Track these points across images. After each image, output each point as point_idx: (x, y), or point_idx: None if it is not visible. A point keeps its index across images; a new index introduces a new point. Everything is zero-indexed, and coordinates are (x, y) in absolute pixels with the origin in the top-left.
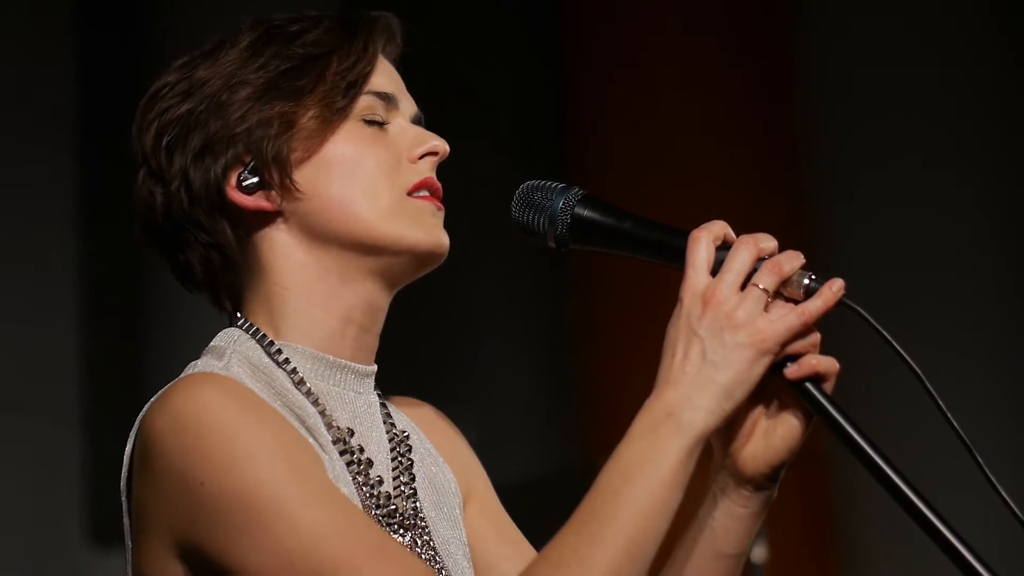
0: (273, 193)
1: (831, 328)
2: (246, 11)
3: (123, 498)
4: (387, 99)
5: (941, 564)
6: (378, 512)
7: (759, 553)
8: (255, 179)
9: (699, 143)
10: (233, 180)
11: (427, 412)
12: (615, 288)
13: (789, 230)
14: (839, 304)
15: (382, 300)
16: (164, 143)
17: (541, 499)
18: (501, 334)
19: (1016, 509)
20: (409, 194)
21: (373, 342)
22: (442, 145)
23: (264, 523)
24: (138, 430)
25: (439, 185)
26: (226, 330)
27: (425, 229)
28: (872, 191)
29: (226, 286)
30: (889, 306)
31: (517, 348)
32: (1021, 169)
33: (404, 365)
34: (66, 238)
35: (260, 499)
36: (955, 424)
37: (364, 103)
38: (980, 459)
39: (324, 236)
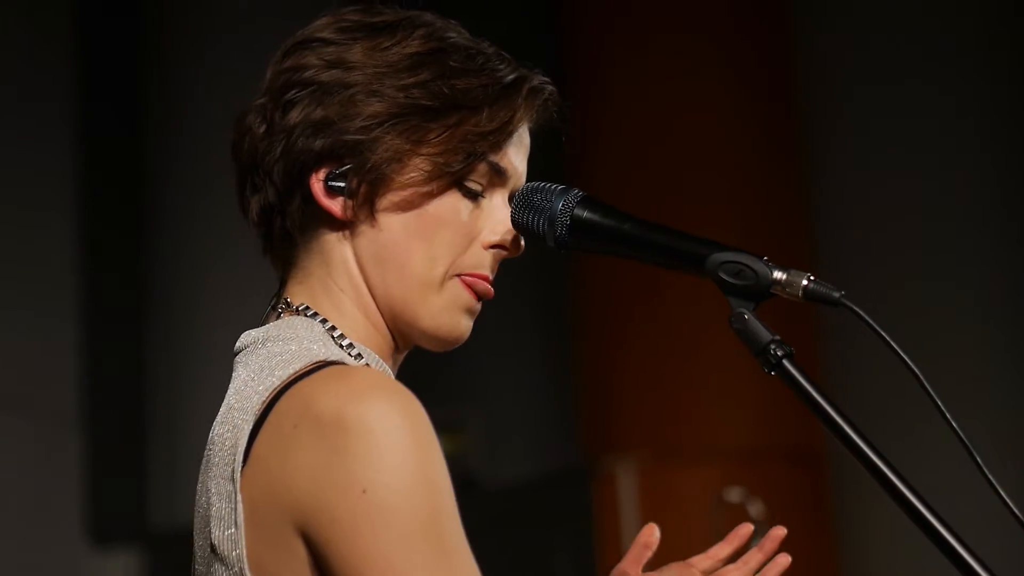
0: (351, 205)
1: (830, 329)
2: (245, 10)
3: (236, 488)
4: (499, 173)
5: (940, 564)
6: None
7: None
8: (342, 184)
9: (698, 143)
10: (322, 173)
11: None
12: (616, 288)
13: (788, 234)
14: (838, 305)
15: (402, 349)
16: (288, 96)
17: (541, 498)
18: (503, 335)
19: (1015, 509)
20: (462, 279)
21: (399, 362)
22: (516, 247)
23: (391, 545)
24: (293, 420)
25: (491, 289)
26: (291, 321)
27: (454, 323)
28: (871, 188)
29: (280, 255)
30: (887, 307)
31: (518, 348)
32: (1019, 170)
33: (404, 365)
34: (66, 238)
35: (401, 524)
36: (954, 424)
37: (478, 169)
38: (979, 459)
39: (375, 268)
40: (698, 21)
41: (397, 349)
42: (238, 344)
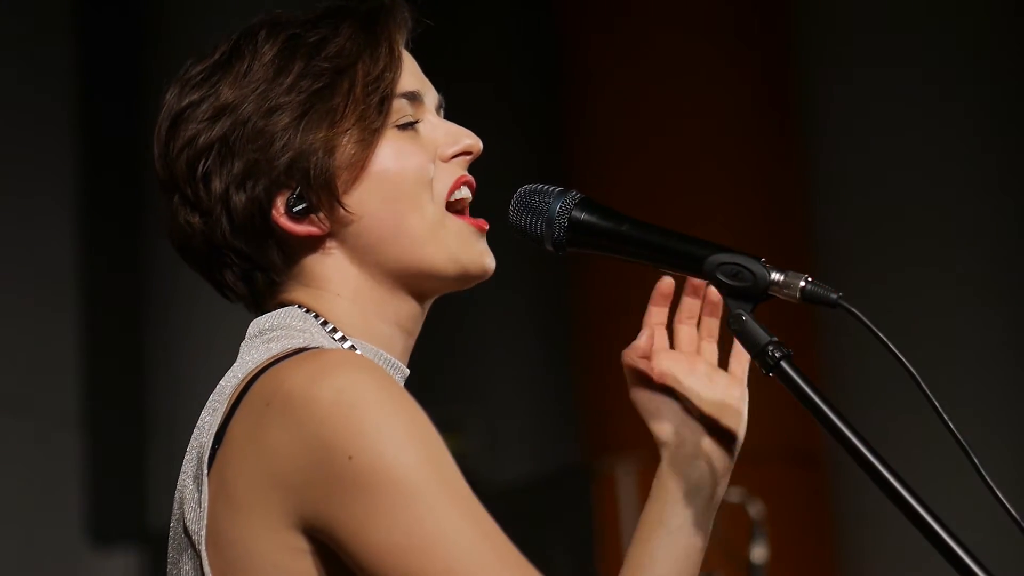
0: (322, 216)
1: (831, 331)
2: (246, 8)
3: (205, 468)
4: (414, 97)
5: (939, 565)
6: None
7: (759, 553)
8: (303, 205)
9: (697, 142)
10: (280, 206)
11: None
12: (615, 290)
13: (786, 233)
14: (835, 307)
15: (425, 308)
16: (200, 171)
17: (541, 498)
18: (503, 336)
19: (1012, 509)
20: (448, 201)
21: (412, 346)
22: (475, 144)
23: (408, 504)
24: (266, 399)
25: (472, 179)
26: (288, 310)
27: (473, 254)
28: (870, 188)
29: (271, 295)
30: (885, 309)
31: (518, 348)
32: (1020, 170)
33: (407, 366)
34: (66, 238)
35: (407, 481)
36: (951, 424)
37: (395, 107)
38: (976, 459)
39: (376, 254)
40: (697, 21)
41: (411, 332)
42: (248, 331)
